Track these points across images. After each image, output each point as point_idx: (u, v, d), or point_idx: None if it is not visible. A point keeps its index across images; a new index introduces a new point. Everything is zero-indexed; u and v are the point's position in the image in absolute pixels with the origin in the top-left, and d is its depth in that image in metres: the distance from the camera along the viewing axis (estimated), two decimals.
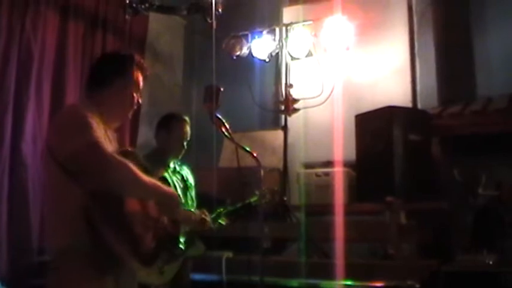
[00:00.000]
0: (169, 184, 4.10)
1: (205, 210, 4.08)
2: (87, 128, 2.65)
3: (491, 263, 4.47)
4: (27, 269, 5.18)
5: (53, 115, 5.72)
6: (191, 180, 4.46)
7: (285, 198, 5.97)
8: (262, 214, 3.40)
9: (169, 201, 2.88)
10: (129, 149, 3.11)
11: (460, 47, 6.61)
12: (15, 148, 5.29)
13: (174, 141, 4.33)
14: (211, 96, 3.21)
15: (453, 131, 6.01)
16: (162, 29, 7.56)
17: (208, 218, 4.05)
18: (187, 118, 4.46)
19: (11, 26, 5.33)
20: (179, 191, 4.18)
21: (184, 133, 4.37)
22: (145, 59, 6.98)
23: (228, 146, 6.19)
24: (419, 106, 6.46)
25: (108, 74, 2.97)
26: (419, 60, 6.58)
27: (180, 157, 4.41)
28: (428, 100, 6.42)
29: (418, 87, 6.54)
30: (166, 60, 7.76)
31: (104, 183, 2.61)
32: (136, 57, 3.10)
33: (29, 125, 5.42)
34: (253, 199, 4.25)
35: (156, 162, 4.11)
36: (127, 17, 6.53)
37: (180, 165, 4.45)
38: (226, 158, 6.33)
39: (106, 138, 2.81)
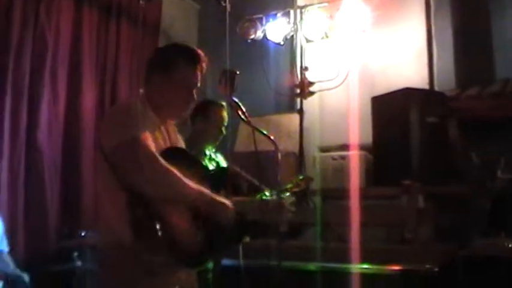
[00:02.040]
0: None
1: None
2: (132, 123, 2.51)
3: (510, 246, 4.43)
4: (45, 255, 5.21)
5: (69, 103, 5.75)
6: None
7: None
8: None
9: (217, 210, 2.66)
10: (178, 147, 2.87)
11: (478, 29, 6.52)
12: (30, 136, 5.31)
13: (212, 127, 4.24)
14: (226, 80, 3.15)
15: (471, 113, 5.94)
16: (176, 14, 7.53)
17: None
18: (224, 103, 4.31)
19: (25, 14, 5.33)
20: None
21: (222, 119, 4.28)
22: (159, 44, 6.98)
23: (243, 131, 6.17)
24: (436, 88, 6.40)
25: (153, 69, 2.83)
26: (437, 42, 6.50)
27: (217, 143, 4.31)
28: (446, 82, 6.36)
29: (435, 69, 6.47)
30: None
31: (138, 184, 2.43)
32: (186, 48, 2.89)
33: (44, 113, 5.43)
34: (288, 186, 4.13)
35: (192, 150, 3.88)
36: (141, 2, 6.51)
37: (215, 153, 4.33)
38: (242, 142, 6.31)
39: (159, 134, 2.70)
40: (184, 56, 2.83)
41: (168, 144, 2.74)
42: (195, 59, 2.84)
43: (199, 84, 2.86)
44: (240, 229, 2.94)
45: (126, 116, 2.58)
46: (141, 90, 2.86)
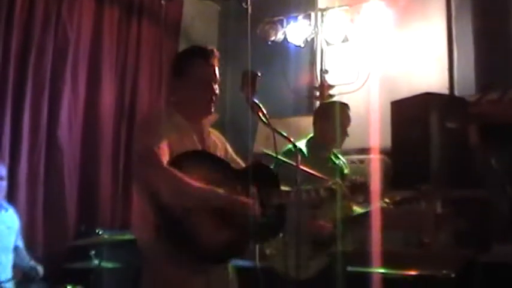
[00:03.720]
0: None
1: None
2: (150, 133, 2.68)
3: None
4: (63, 253, 5.24)
5: (89, 101, 5.79)
6: (346, 171, 4.18)
7: None
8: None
9: (235, 208, 2.76)
10: (200, 150, 2.92)
11: (499, 33, 6.46)
12: (51, 133, 5.35)
13: (334, 128, 4.02)
14: (248, 81, 3.14)
15: (491, 119, 5.90)
16: (197, 15, 7.54)
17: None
18: (348, 104, 4.20)
19: (47, 12, 5.37)
20: None
21: (347, 118, 4.13)
22: (179, 44, 6.99)
23: (261, 132, 6.14)
24: (456, 93, 6.35)
25: (173, 76, 2.99)
26: (457, 46, 6.45)
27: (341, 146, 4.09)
28: (466, 87, 6.31)
29: (455, 74, 6.42)
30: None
31: (152, 191, 2.59)
32: (195, 47, 3.05)
33: (64, 110, 5.48)
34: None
35: (316, 155, 3.83)
36: (162, 1, 6.53)
37: (335, 155, 4.15)
38: (260, 144, 6.28)
39: (188, 137, 2.82)
40: (194, 54, 2.97)
41: (199, 147, 2.85)
42: (204, 54, 2.95)
43: (217, 78, 2.96)
44: (279, 222, 3.05)
45: (147, 126, 2.80)
46: (172, 98, 3.01)
